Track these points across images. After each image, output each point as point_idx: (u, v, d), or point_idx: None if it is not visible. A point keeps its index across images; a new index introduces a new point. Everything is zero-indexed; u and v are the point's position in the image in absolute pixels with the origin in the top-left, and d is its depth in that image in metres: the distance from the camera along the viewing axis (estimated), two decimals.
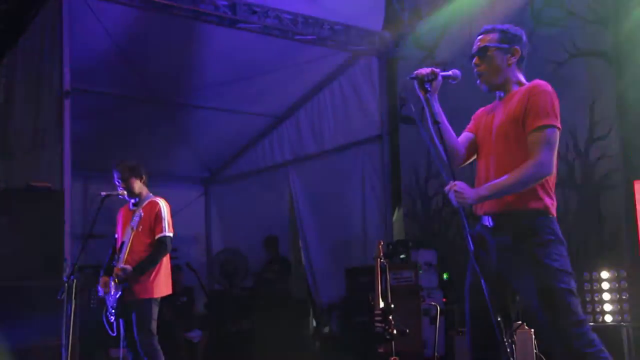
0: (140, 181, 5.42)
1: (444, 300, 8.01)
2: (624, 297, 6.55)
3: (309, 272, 10.18)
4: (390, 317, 6.27)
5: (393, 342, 6.23)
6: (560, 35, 7.46)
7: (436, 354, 6.56)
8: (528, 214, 3.10)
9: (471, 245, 3.00)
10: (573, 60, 7.40)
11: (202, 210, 12.26)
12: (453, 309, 7.45)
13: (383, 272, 6.50)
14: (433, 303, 7.33)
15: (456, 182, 3.08)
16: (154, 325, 5.21)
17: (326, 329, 9.89)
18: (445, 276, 8.31)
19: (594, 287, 6.68)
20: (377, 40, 9.25)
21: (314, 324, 10.29)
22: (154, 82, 9.35)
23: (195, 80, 9.38)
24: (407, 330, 6.52)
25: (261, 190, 11.19)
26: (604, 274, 6.69)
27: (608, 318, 6.55)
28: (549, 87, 3.17)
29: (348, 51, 9.49)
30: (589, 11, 7.29)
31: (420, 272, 7.97)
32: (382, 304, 6.35)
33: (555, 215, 3.15)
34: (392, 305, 6.35)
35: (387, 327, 6.23)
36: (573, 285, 3.09)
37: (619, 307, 6.56)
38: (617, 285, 6.61)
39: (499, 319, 2.87)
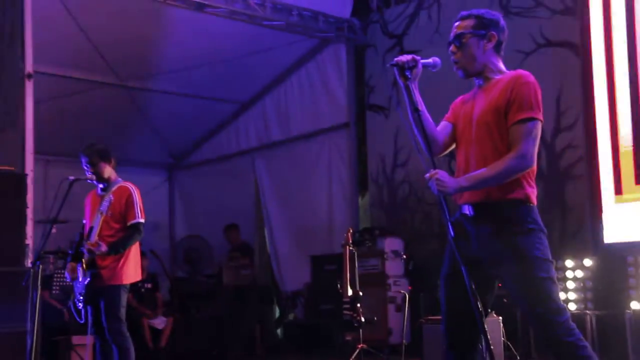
0: (110, 165, 5.32)
1: (410, 288, 8.05)
2: (588, 285, 6.65)
3: (274, 259, 10.16)
4: (358, 305, 6.30)
5: (361, 330, 6.26)
6: (529, 25, 7.51)
7: (403, 341, 6.58)
8: (510, 203, 3.10)
9: (452, 233, 2.98)
10: (540, 51, 7.46)
11: (166, 197, 12.13)
12: (419, 297, 7.49)
13: (351, 259, 6.51)
14: (401, 291, 7.36)
15: (437, 171, 3.06)
16: (122, 311, 5.13)
17: (291, 316, 9.89)
18: (411, 264, 8.35)
19: (558, 276, 6.76)
20: (345, 28, 9.22)
21: (278, 311, 10.27)
22: (117, 66, 9.20)
23: (160, 65, 9.25)
24: (375, 318, 6.56)
25: (226, 177, 11.10)
26: (568, 263, 6.78)
27: (572, 306, 6.64)
28: (532, 78, 3.15)
29: (316, 38, 9.45)
30: (556, 1, 7.35)
31: (387, 260, 8.00)
32: (350, 292, 6.36)
33: (535, 204, 3.16)
34: (360, 293, 6.38)
35: (355, 315, 6.25)
36: (553, 273, 3.11)
37: (582, 295, 6.66)
38: (581, 273, 6.71)
39: (479, 306, 2.86)
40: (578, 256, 6.79)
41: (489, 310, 5.51)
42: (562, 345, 2.98)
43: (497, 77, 3.25)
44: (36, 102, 7.29)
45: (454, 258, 3.04)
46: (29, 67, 7.08)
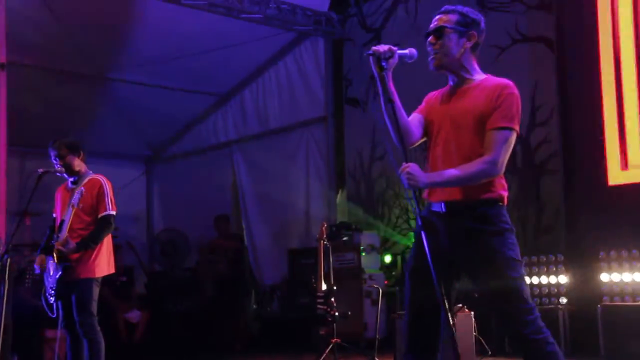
0: (79, 158, 5.27)
1: (386, 282, 8.06)
2: (561, 280, 6.69)
3: (252, 252, 10.14)
4: (332, 299, 6.29)
5: (335, 324, 6.25)
6: (504, 20, 7.52)
7: (377, 336, 6.59)
8: (483, 203, 3.12)
9: (420, 227, 2.99)
10: (516, 46, 7.48)
11: (144, 189, 12.07)
12: (394, 292, 7.50)
13: (326, 254, 6.50)
14: (375, 285, 7.37)
15: (409, 164, 3.06)
16: (94, 305, 5.10)
17: (267, 310, 9.87)
18: (387, 259, 8.36)
19: (533, 270, 6.81)
20: (323, 21, 9.20)
21: (255, 304, 10.25)
22: (94, 58, 9.12)
23: (137, 57, 9.17)
24: (349, 313, 6.55)
25: (204, 170, 11.05)
26: (542, 258, 6.82)
27: (545, 301, 6.68)
28: (517, 91, 3.20)
29: (294, 31, 9.41)
30: None
31: (363, 254, 8.00)
32: (324, 286, 6.35)
33: (506, 204, 3.18)
34: (335, 288, 6.37)
35: (328, 309, 6.24)
36: (524, 272, 3.15)
37: (555, 290, 6.70)
38: (554, 268, 6.75)
39: (444, 301, 2.87)
40: (552, 251, 6.83)
41: (460, 305, 5.57)
42: (531, 343, 3.01)
43: (476, 79, 3.26)
44: (11, 94, 7.21)
45: (420, 252, 3.04)
46: (2, 58, 7.00)
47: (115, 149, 11.11)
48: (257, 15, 8.67)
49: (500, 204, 3.16)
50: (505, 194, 3.19)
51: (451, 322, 2.88)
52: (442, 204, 3.15)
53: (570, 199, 7.03)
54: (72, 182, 5.30)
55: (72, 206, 5.06)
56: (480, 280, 3.13)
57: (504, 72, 7.09)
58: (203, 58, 9.32)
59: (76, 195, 5.06)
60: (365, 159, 9.05)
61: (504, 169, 3.13)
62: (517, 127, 3.15)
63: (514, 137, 3.15)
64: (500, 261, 3.06)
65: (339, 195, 9.52)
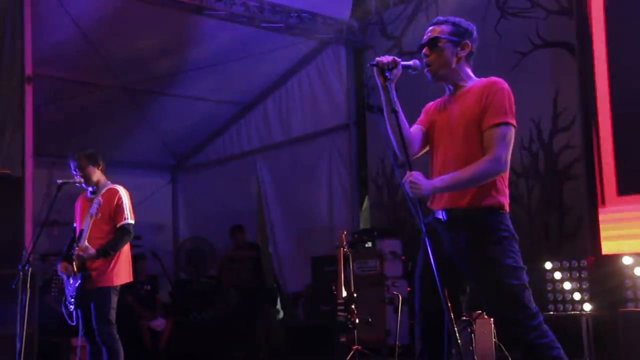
0: (98, 169, 5.37)
1: (409, 289, 8.04)
2: (584, 286, 6.62)
3: (276, 260, 10.18)
4: (353, 306, 6.30)
5: (355, 332, 6.26)
6: (525, 25, 7.50)
7: (398, 342, 6.58)
8: (482, 211, 3.12)
9: (424, 234, 3.01)
10: (537, 51, 7.45)
11: (169, 198, 12.17)
12: None
13: (346, 261, 6.52)
14: (395, 292, 7.35)
15: (412, 173, 3.09)
16: (112, 314, 5.17)
17: (292, 317, 9.90)
18: (410, 265, 8.34)
19: (555, 276, 6.75)
20: (344, 29, 9.23)
21: (281, 312, 10.29)
22: (118, 69, 9.25)
23: (161, 67, 9.28)
24: (370, 320, 6.56)
25: (228, 179, 11.13)
26: (565, 263, 6.75)
27: (568, 307, 6.61)
28: (506, 85, 3.18)
29: (315, 39, 9.46)
30: (552, 2, 7.33)
31: (385, 261, 7.99)
32: (344, 293, 6.37)
33: (508, 210, 3.17)
34: (355, 295, 6.38)
35: (349, 316, 6.25)
36: (526, 279, 3.13)
37: (579, 296, 6.63)
38: (577, 274, 6.68)
39: (448, 307, 2.88)
40: (575, 257, 6.77)
41: (480, 311, 5.54)
42: (535, 348, 3.01)
43: (469, 84, 3.27)
44: (40, 105, 7.34)
45: (426, 259, 3.06)
46: (28, 71, 7.13)
47: (141, 158, 11.24)
48: (278, 24, 8.72)
49: (501, 211, 3.15)
50: (505, 201, 3.17)
51: (455, 331, 2.88)
52: (443, 212, 3.17)
53: (593, 205, 6.96)
54: (91, 192, 5.40)
55: (91, 216, 5.14)
56: (481, 287, 3.13)
57: (525, 77, 7.11)
58: (226, 68, 9.41)
59: (94, 205, 5.14)
60: (387, 165, 9.05)
61: (508, 166, 3.12)
62: (512, 121, 3.14)
63: (512, 131, 3.14)
64: (499, 269, 3.06)
65: (363, 203, 9.53)
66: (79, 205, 5.49)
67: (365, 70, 9.34)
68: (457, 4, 8.02)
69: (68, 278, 5.29)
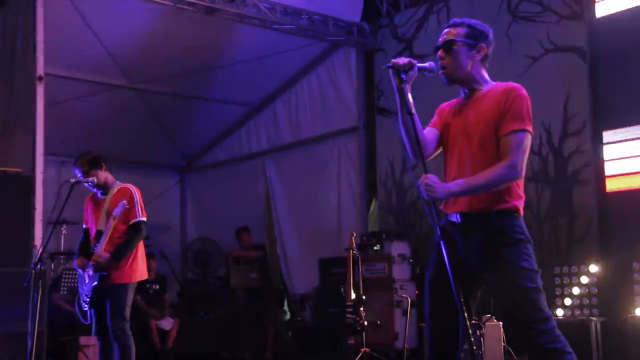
0: (102, 171, 5.40)
1: (417, 292, 8.03)
2: (594, 291, 6.62)
3: (283, 261, 10.18)
4: (362, 309, 6.30)
5: (364, 334, 6.26)
6: (536, 30, 7.49)
7: (406, 345, 6.58)
8: (497, 214, 3.12)
9: (439, 237, 3.00)
10: (548, 56, 7.44)
11: (178, 199, 12.21)
12: None
13: (355, 263, 6.52)
14: (404, 295, 7.36)
15: (428, 175, 3.08)
16: (127, 311, 5.22)
17: (299, 319, 9.91)
18: (418, 268, 8.33)
19: (564, 281, 6.74)
20: (355, 31, 9.23)
21: (288, 313, 10.30)
22: (129, 69, 9.29)
23: (171, 68, 9.30)
24: (379, 322, 6.57)
25: (237, 180, 11.14)
26: (574, 268, 6.74)
27: (577, 312, 6.60)
28: (525, 92, 3.18)
29: (326, 42, 9.46)
30: (564, 6, 7.32)
31: (394, 264, 7.99)
32: (353, 296, 6.37)
33: (522, 214, 3.17)
34: (364, 297, 6.38)
35: (357, 318, 6.26)
36: (540, 282, 3.12)
37: (588, 301, 6.62)
38: (586, 279, 6.67)
39: (464, 310, 2.88)
40: (585, 261, 6.76)
41: (489, 315, 5.55)
42: (547, 352, 3.00)
43: (485, 88, 3.26)
44: (50, 104, 7.37)
45: (439, 262, 3.06)
46: (40, 70, 7.16)
47: (150, 158, 11.28)
48: (289, 26, 8.73)
49: (516, 214, 3.15)
50: (520, 205, 3.17)
51: (469, 331, 2.88)
52: (458, 215, 3.16)
53: (603, 210, 6.96)
54: (102, 193, 5.43)
55: (114, 218, 5.16)
56: (495, 290, 3.13)
57: (536, 82, 7.11)
58: (236, 69, 9.43)
59: (118, 209, 5.16)
60: (396, 168, 9.05)
61: (524, 172, 3.13)
62: (529, 128, 3.14)
63: (529, 138, 3.14)
64: (514, 272, 3.06)
65: (371, 205, 9.53)
66: (89, 206, 5.52)
67: (375, 72, 9.34)
68: (468, 7, 8.02)
69: (84, 272, 5.32)
